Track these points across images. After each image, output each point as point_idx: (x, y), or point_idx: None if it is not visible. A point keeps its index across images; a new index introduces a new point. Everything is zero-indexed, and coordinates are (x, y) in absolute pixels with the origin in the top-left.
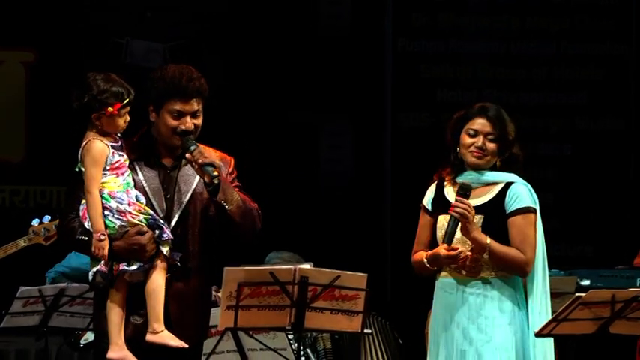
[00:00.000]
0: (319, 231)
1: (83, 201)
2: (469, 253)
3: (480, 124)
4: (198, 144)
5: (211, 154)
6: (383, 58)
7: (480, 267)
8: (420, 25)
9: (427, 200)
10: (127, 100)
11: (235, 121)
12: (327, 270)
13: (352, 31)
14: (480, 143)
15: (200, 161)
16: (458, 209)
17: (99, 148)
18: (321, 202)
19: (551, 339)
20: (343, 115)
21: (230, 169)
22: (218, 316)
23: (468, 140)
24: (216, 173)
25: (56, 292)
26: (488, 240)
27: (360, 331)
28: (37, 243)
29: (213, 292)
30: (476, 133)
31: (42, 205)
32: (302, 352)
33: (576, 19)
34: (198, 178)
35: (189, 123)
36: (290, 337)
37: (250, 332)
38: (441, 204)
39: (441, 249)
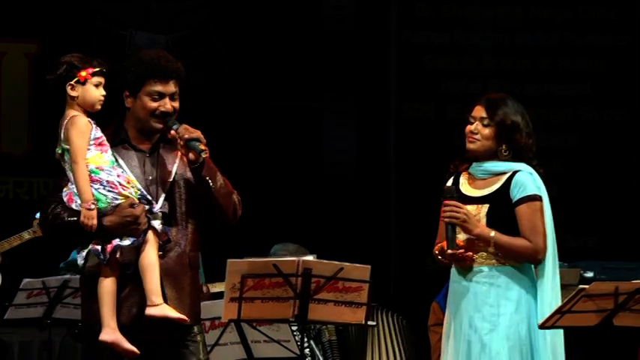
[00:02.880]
0: (323, 222)
1: (65, 188)
2: (470, 253)
3: (476, 110)
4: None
5: (195, 130)
6: (387, 49)
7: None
8: (424, 16)
9: (442, 190)
10: (99, 69)
11: (238, 112)
12: (331, 262)
13: (357, 22)
14: (473, 127)
15: (186, 136)
16: (446, 214)
17: (84, 120)
18: (324, 194)
19: (561, 331)
20: (347, 105)
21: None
22: (222, 309)
23: (467, 127)
24: (202, 147)
25: (60, 284)
26: (492, 233)
27: (363, 322)
28: (41, 236)
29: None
30: (474, 120)
31: (45, 197)
32: (306, 344)
33: (580, 10)
34: (177, 160)
35: (168, 104)
36: (294, 329)
37: (254, 324)
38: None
39: (448, 250)
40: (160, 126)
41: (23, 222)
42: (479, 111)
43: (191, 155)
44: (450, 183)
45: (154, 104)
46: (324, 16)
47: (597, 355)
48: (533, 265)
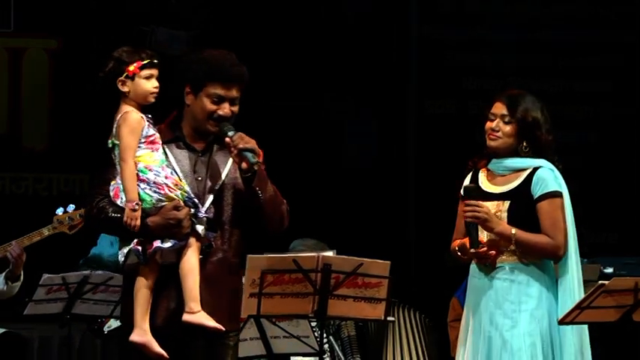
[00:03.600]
0: (343, 218)
1: (113, 182)
2: (493, 252)
3: (496, 107)
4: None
5: (250, 140)
6: (408, 45)
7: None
8: (445, 12)
9: (464, 189)
10: (148, 61)
11: (259, 107)
12: (350, 257)
13: (377, 18)
14: (494, 125)
15: (240, 146)
16: (468, 214)
17: (136, 117)
18: (345, 190)
19: (585, 327)
20: (368, 102)
21: (261, 159)
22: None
23: (487, 124)
24: (256, 159)
25: (79, 280)
26: (514, 231)
27: (383, 318)
28: (61, 232)
29: None
30: (494, 117)
31: (65, 192)
32: (325, 340)
33: (600, 6)
34: (229, 164)
35: (227, 109)
36: (313, 324)
37: (273, 320)
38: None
39: (471, 250)
40: (215, 129)
41: (43, 218)
42: (499, 108)
43: (243, 165)
44: (468, 181)
45: (213, 107)
46: (345, 11)
47: (617, 351)
48: (552, 262)
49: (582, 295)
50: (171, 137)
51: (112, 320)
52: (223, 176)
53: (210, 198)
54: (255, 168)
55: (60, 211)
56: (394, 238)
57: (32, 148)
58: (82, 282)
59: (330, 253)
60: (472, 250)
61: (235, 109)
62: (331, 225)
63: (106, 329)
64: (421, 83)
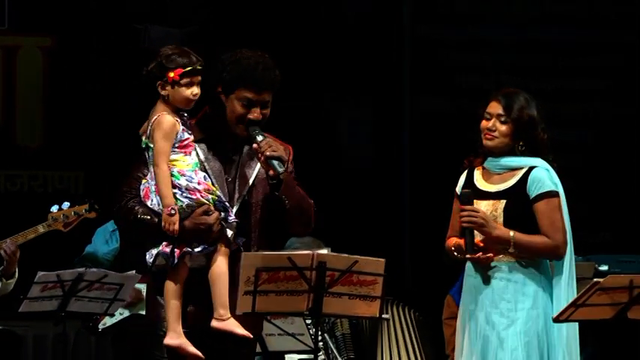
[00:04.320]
0: (338, 215)
1: (144, 181)
2: (490, 255)
3: (492, 106)
4: (265, 134)
5: (278, 147)
6: (402, 43)
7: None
8: (438, 11)
9: (459, 187)
10: (189, 68)
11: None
12: (345, 255)
13: (372, 16)
14: (490, 125)
15: (268, 153)
16: (464, 219)
17: (170, 122)
18: (339, 187)
19: (576, 325)
20: (362, 99)
21: (289, 160)
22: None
23: (483, 124)
24: (282, 168)
25: (74, 277)
26: (512, 233)
27: (378, 316)
28: (56, 229)
29: None
30: (490, 116)
31: (60, 190)
32: (320, 338)
33: (596, 5)
34: (259, 166)
35: (257, 113)
36: (308, 322)
37: (268, 317)
38: (471, 189)
39: (467, 255)
40: (244, 134)
41: (38, 215)
42: (495, 107)
43: (271, 172)
44: (463, 179)
45: (243, 110)
46: (339, 9)
47: (612, 348)
48: (549, 261)
49: (574, 293)
50: (202, 137)
51: (106, 318)
52: (253, 176)
53: (241, 200)
54: (282, 177)
55: (55, 208)
56: (389, 235)
57: (27, 145)
58: (77, 279)
59: (324, 251)
60: (468, 256)
61: (266, 112)
62: (326, 222)
63: (100, 327)
64: (414, 81)
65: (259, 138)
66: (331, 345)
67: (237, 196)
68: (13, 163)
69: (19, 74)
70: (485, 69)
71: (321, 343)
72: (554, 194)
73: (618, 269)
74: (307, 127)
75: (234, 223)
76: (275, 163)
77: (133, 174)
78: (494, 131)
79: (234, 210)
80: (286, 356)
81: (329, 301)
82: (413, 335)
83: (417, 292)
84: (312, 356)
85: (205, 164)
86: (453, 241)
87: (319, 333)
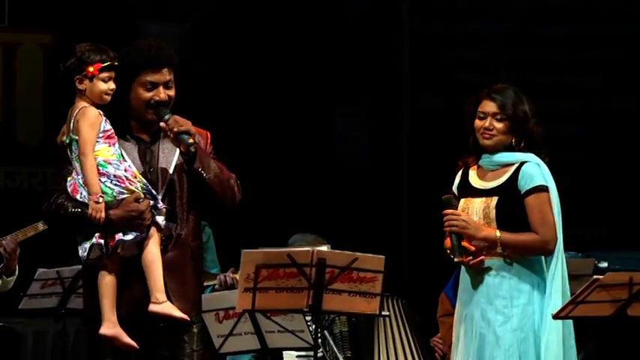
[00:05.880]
0: (336, 213)
1: (69, 178)
2: (482, 257)
3: (487, 105)
4: (172, 114)
5: (185, 122)
6: (400, 40)
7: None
8: (437, 7)
9: (455, 186)
10: (108, 63)
11: (252, 102)
12: (345, 252)
13: (372, 16)
14: (487, 124)
15: (175, 129)
16: (446, 224)
17: (94, 112)
18: (338, 184)
19: (570, 322)
20: (360, 96)
21: (207, 143)
22: (236, 299)
23: (478, 123)
24: (191, 141)
25: (74, 274)
26: (498, 234)
27: (377, 313)
28: None
29: (230, 275)
30: (485, 115)
31: None
32: (319, 335)
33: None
34: (178, 150)
35: (162, 94)
36: (308, 319)
37: (268, 314)
38: (465, 188)
39: (455, 259)
40: (154, 117)
41: (38, 213)
42: (489, 106)
43: (182, 147)
44: (458, 179)
45: (148, 94)
46: (338, 6)
47: (611, 345)
48: (543, 257)
49: (566, 292)
50: (119, 131)
51: None
52: (174, 162)
53: (165, 186)
54: (192, 149)
55: None
56: (387, 234)
57: (27, 142)
58: (77, 276)
59: (324, 248)
60: (456, 259)
61: (171, 92)
62: (325, 219)
63: None
64: (413, 78)
65: (166, 117)
66: (330, 342)
67: (160, 183)
68: (13, 160)
69: (19, 71)
70: (485, 65)
71: (320, 340)
72: (543, 189)
73: (618, 266)
74: (307, 125)
75: (164, 209)
76: (184, 137)
77: (59, 173)
78: (492, 130)
79: (160, 196)
80: (284, 353)
81: (329, 297)
82: (406, 329)
83: (415, 289)
84: (310, 353)
85: (126, 157)
86: (448, 242)
87: (319, 330)
